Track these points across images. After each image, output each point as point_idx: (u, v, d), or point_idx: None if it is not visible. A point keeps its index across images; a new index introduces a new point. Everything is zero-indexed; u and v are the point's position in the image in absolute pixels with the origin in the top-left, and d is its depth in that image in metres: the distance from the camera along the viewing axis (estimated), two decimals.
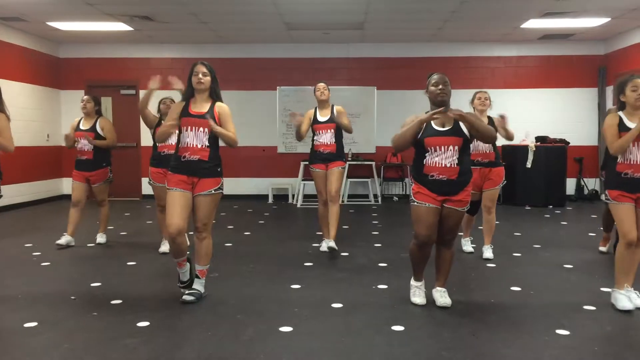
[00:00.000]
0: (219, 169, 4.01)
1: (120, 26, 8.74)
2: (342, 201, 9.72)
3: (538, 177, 9.16)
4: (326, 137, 5.59)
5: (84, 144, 5.93)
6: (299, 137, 5.48)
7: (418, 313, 3.80)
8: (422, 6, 7.58)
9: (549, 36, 9.66)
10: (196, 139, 3.92)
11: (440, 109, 3.64)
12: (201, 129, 3.92)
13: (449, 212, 3.75)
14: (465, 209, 3.81)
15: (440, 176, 3.66)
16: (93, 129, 5.95)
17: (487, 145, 5.18)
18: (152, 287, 4.46)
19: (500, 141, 7.54)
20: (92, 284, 4.50)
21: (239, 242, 6.27)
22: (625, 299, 3.78)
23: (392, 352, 3.14)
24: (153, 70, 10.24)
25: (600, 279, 4.64)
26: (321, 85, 5.63)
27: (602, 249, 5.64)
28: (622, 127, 3.74)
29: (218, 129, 3.90)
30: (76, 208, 5.94)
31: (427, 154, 3.70)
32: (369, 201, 9.92)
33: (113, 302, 4.03)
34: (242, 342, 3.28)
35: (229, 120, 4.03)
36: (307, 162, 6.32)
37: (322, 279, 4.69)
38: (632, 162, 3.72)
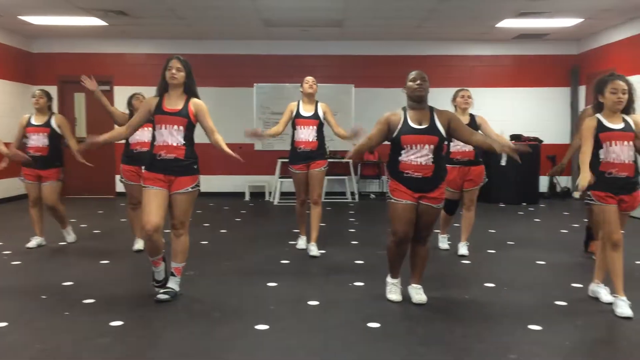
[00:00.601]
0: (195, 167, 3.97)
1: (94, 21, 8.59)
2: None
3: (512, 175, 9.27)
4: (307, 134, 5.40)
5: (37, 140, 5.59)
6: (273, 133, 5.34)
7: (394, 310, 3.82)
8: (400, 4, 7.60)
9: (523, 36, 9.78)
10: (171, 137, 3.86)
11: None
12: (176, 126, 3.85)
13: (425, 209, 3.77)
14: (440, 206, 3.85)
15: (416, 174, 3.70)
16: (48, 124, 5.64)
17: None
18: (126, 285, 4.40)
19: None
20: (64, 283, 4.42)
21: (215, 240, 6.23)
22: (625, 304, 3.67)
23: (368, 349, 3.15)
24: (128, 66, 10.13)
25: (572, 275, 4.72)
26: (310, 78, 5.48)
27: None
28: (602, 129, 3.72)
29: (227, 149, 3.96)
30: (36, 208, 5.73)
31: (402, 152, 3.74)
32: (346, 199, 9.94)
33: (85, 301, 3.96)
34: (218, 340, 3.26)
35: (207, 116, 3.98)
36: (284, 160, 6.30)
37: (298, 277, 4.68)
38: (615, 162, 3.70)
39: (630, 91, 3.70)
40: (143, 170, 4.05)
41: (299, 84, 5.60)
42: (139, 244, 5.51)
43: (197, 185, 3.97)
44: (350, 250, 5.69)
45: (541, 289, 4.36)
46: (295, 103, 5.51)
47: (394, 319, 3.63)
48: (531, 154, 9.70)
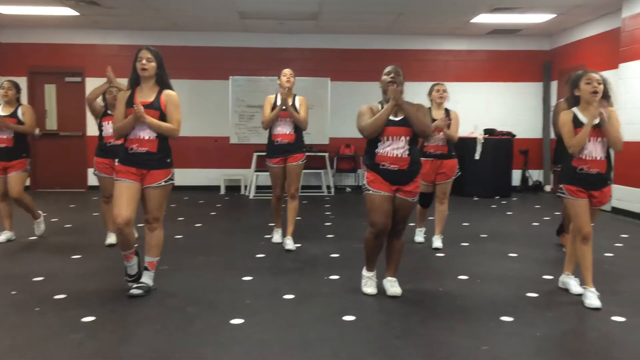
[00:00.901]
0: (168, 160, 3.92)
1: (65, 11, 8.40)
2: None
3: (486, 169, 9.39)
4: (285, 127, 5.35)
5: (3, 131, 5.48)
6: (270, 123, 5.33)
7: (369, 303, 3.84)
8: None
9: (497, 31, 9.89)
10: (143, 130, 3.81)
11: (392, 87, 3.72)
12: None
13: (401, 202, 3.83)
14: (416, 200, 3.89)
15: (392, 166, 3.76)
16: (14, 115, 5.52)
17: (440, 137, 5.26)
18: (98, 280, 4.33)
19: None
20: (34, 279, 4.34)
21: (189, 234, 6.18)
22: (594, 296, 3.75)
23: (344, 342, 3.16)
24: (100, 57, 9.93)
25: (543, 267, 4.80)
26: (287, 71, 5.39)
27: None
28: (577, 123, 3.76)
29: (148, 120, 3.73)
30: (4, 202, 5.61)
31: (379, 144, 3.80)
32: (322, 192, 9.95)
33: (56, 296, 3.90)
34: (192, 334, 3.24)
35: (176, 109, 3.90)
36: (260, 153, 6.26)
37: (274, 271, 4.68)
38: (587, 158, 3.75)
39: (605, 84, 3.75)
40: (116, 164, 4.00)
41: (275, 77, 5.56)
42: (112, 239, 5.45)
43: (171, 179, 3.93)
44: (326, 244, 5.70)
45: (513, 281, 4.43)
46: (273, 96, 5.46)
47: (369, 312, 3.65)
48: (504, 148, 9.93)
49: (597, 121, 3.70)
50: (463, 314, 3.63)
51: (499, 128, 10.06)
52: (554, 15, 8.60)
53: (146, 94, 3.86)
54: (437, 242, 5.49)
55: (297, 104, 5.41)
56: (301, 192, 9.76)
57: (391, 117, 3.77)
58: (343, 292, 4.07)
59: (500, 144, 9.59)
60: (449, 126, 5.31)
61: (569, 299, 3.93)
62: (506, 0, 7.67)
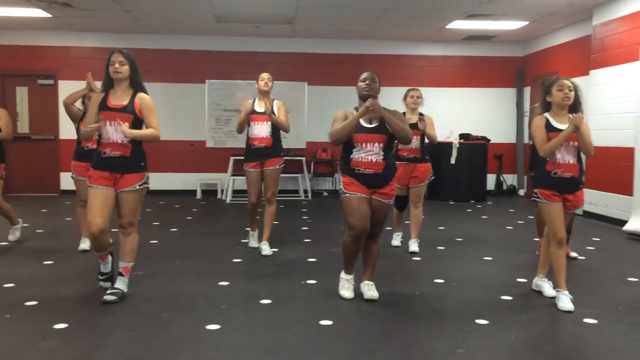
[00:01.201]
0: (142, 164, 3.89)
1: (38, 12, 8.26)
2: None
3: (461, 173, 9.51)
4: (262, 130, 5.29)
5: None
6: (241, 128, 5.34)
7: (346, 307, 3.84)
8: (351, 4, 7.65)
9: (472, 37, 10.03)
10: (116, 134, 3.77)
11: (369, 100, 3.74)
12: (121, 122, 3.75)
13: (377, 205, 3.87)
14: (391, 202, 3.92)
15: (367, 170, 3.81)
16: None
17: (414, 141, 5.30)
18: (71, 287, 4.25)
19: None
20: (5, 285, 4.24)
21: (165, 239, 6.11)
22: (567, 299, 3.81)
23: (320, 346, 3.16)
24: (73, 59, 9.79)
25: (517, 270, 4.87)
26: (265, 75, 5.36)
27: (572, 254, 5.31)
28: (549, 128, 3.84)
29: (133, 133, 3.73)
30: None
31: (354, 150, 3.85)
32: (299, 196, 9.95)
33: (28, 303, 3.81)
34: (167, 341, 3.20)
35: (152, 113, 3.88)
36: (237, 157, 6.22)
37: (250, 275, 4.65)
38: (560, 162, 3.83)
39: (576, 91, 3.85)
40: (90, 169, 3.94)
41: (252, 81, 5.52)
42: (85, 244, 5.37)
43: (145, 183, 3.89)
44: (302, 248, 5.69)
45: (488, 284, 4.48)
46: (250, 100, 5.42)
47: (346, 316, 3.66)
48: (479, 153, 10.07)
49: (567, 125, 3.79)
50: (439, 317, 3.66)
51: (474, 133, 10.20)
52: (527, 23, 8.76)
53: (120, 97, 3.82)
54: (414, 246, 5.52)
55: (275, 108, 5.39)
56: (278, 197, 9.73)
57: (365, 125, 3.83)
58: (320, 297, 4.07)
59: (475, 149, 9.72)
60: (421, 133, 5.41)
61: (543, 302, 3.99)
62: (480, 7, 7.78)
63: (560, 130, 3.81)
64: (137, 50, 9.82)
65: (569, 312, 3.74)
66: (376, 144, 3.80)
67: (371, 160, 3.80)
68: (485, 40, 10.30)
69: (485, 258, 5.34)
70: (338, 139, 3.81)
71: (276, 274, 4.70)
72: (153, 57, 9.80)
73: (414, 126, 5.20)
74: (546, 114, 3.93)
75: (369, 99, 3.76)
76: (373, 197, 3.86)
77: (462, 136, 9.92)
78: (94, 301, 3.84)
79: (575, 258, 5.23)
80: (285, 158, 10.12)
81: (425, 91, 10.53)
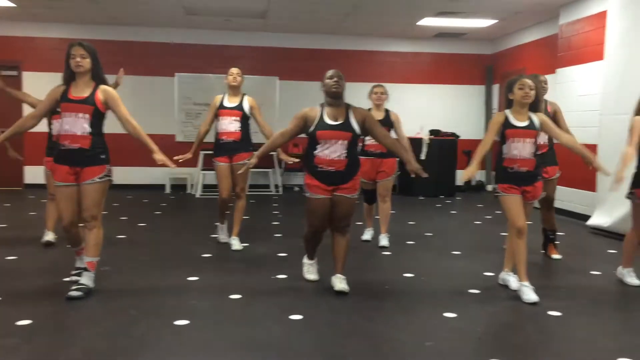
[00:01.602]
0: (103, 156, 3.83)
1: (2, 2, 8.02)
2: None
3: (431, 169, 9.54)
4: (230, 124, 5.24)
5: None
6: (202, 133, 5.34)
7: (316, 301, 3.85)
8: None
9: (442, 34, 10.13)
10: (76, 125, 3.73)
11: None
12: (81, 114, 3.72)
13: (340, 200, 3.92)
14: (354, 196, 3.97)
15: (329, 168, 3.86)
16: None
17: None
18: (35, 282, 4.15)
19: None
20: None
21: (133, 234, 6.02)
22: (530, 290, 3.89)
23: (290, 341, 3.16)
24: (38, 50, 9.55)
25: (484, 264, 4.95)
26: (234, 70, 5.29)
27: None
28: (508, 125, 3.96)
29: (151, 145, 4.01)
30: None
31: (318, 146, 3.89)
32: (270, 191, 9.91)
33: None
34: (135, 337, 3.15)
35: (119, 103, 3.85)
36: (207, 152, 6.15)
37: (220, 270, 4.62)
38: (517, 158, 3.95)
39: (537, 89, 3.95)
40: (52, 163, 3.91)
41: (223, 75, 5.47)
42: (49, 236, 5.29)
43: (107, 176, 3.84)
44: (273, 243, 5.68)
45: (456, 278, 4.54)
46: (220, 96, 5.37)
47: (316, 311, 3.66)
48: (449, 149, 10.18)
49: (526, 123, 3.94)
50: (408, 311, 3.70)
51: (444, 129, 10.31)
52: (496, 21, 8.88)
53: (81, 89, 3.78)
54: (384, 241, 5.56)
55: (245, 104, 5.33)
56: (249, 192, 9.69)
57: (330, 122, 3.86)
58: (290, 291, 4.06)
59: (445, 145, 9.83)
60: (389, 130, 5.37)
61: (509, 295, 4.06)
62: (450, 4, 7.86)
63: (517, 128, 3.93)
64: (104, 42, 9.70)
65: (533, 304, 3.81)
66: (340, 142, 3.85)
67: (334, 157, 3.84)
68: (455, 37, 10.42)
69: (453, 252, 5.41)
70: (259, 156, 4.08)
71: (246, 268, 4.68)
72: (120, 49, 9.61)
73: (381, 122, 5.16)
74: (507, 111, 4.03)
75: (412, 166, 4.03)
76: (335, 193, 3.91)
77: (432, 132, 10.03)
78: (58, 297, 3.75)
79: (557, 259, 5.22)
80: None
81: (397, 87, 10.66)
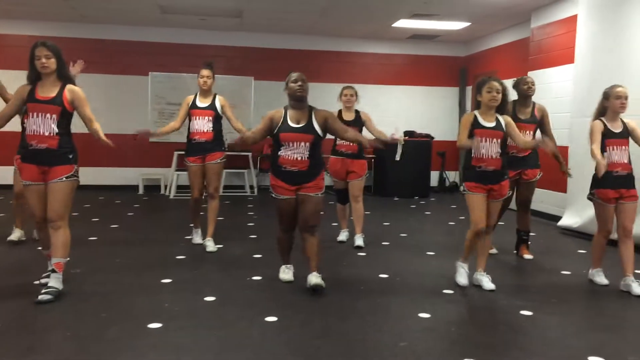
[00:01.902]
0: (70, 156, 3.81)
1: None
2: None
3: (406, 170, 9.67)
4: (202, 124, 5.23)
5: None
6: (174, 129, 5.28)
7: (291, 303, 3.84)
8: None
9: (417, 36, 10.21)
10: (43, 126, 3.71)
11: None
12: (48, 115, 3.71)
13: (304, 198, 4.04)
14: (318, 195, 4.06)
15: (292, 168, 3.99)
16: None
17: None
18: (1, 285, 4.05)
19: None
20: None
21: (104, 236, 5.92)
22: (487, 279, 4.19)
23: (265, 343, 3.14)
24: (8, 47, 9.32)
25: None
26: (205, 72, 5.26)
27: (492, 251, 5.37)
28: (476, 125, 4.12)
29: (104, 140, 3.85)
30: None
31: (281, 148, 4.01)
32: (245, 192, 9.86)
33: None
34: (106, 341, 3.09)
35: (85, 104, 3.85)
36: (181, 152, 6.11)
37: (194, 272, 4.58)
38: (484, 157, 4.10)
39: (504, 92, 4.10)
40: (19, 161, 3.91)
41: (197, 75, 5.44)
42: (15, 235, 5.26)
43: (74, 176, 3.82)
44: (248, 245, 5.64)
45: (431, 278, 4.58)
46: (192, 96, 5.38)
47: (291, 313, 3.65)
48: (423, 150, 10.25)
49: (494, 124, 4.11)
50: (383, 312, 3.71)
51: (419, 130, 10.39)
52: (469, 24, 8.99)
53: (48, 89, 3.76)
54: (359, 241, 5.58)
55: (217, 103, 5.32)
56: (224, 192, 9.65)
57: (293, 125, 3.99)
58: (265, 293, 4.05)
59: (419, 146, 9.90)
60: (360, 129, 5.44)
61: (482, 295, 4.11)
62: (425, 7, 7.93)
63: (485, 128, 4.10)
64: (76, 40, 9.54)
65: (491, 291, 4.08)
66: (302, 143, 3.97)
67: (297, 158, 3.97)
68: (429, 39, 10.51)
69: (428, 253, 5.46)
70: (249, 143, 4.19)
71: (221, 270, 4.64)
72: (93, 47, 9.46)
73: (349, 123, 5.29)
74: (475, 112, 4.20)
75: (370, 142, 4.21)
76: (299, 192, 4.03)
77: (407, 133, 10.09)
78: (27, 299, 3.67)
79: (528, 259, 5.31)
80: (231, 153, 10.01)
81: (372, 88, 10.73)
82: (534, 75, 8.03)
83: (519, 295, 4.08)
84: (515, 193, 5.29)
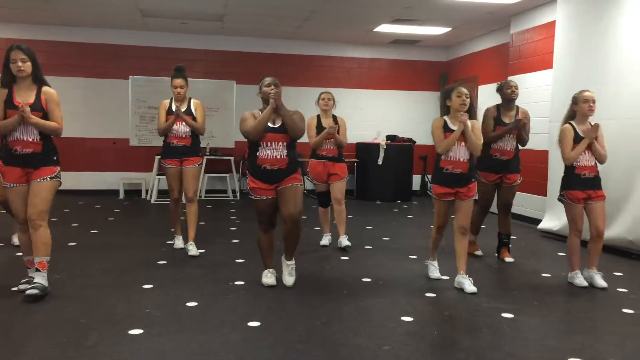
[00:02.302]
0: (54, 158, 3.91)
1: None
2: (200, 196, 9.49)
3: (388, 174, 9.71)
4: (180, 129, 5.27)
5: None
6: (163, 132, 5.36)
7: (274, 308, 3.82)
8: (281, 3, 7.64)
9: (398, 41, 10.27)
10: (26, 132, 3.78)
11: (271, 105, 4.12)
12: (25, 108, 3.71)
13: (283, 190, 4.16)
14: (299, 185, 4.21)
15: (272, 167, 4.13)
16: None
17: (332, 142, 5.62)
18: None
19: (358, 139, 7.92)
20: None
21: (84, 241, 5.84)
22: (469, 282, 4.29)
23: (248, 348, 3.12)
24: None
25: (440, 268, 5.02)
26: (178, 82, 5.29)
27: (477, 253, 5.55)
28: (447, 129, 4.33)
29: (33, 120, 3.73)
30: None
31: (260, 148, 4.15)
32: (228, 197, 9.81)
33: None
34: (86, 348, 3.05)
35: (57, 107, 3.87)
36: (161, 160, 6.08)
37: (176, 278, 4.53)
38: (452, 159, 4.30)
39: (471, 99, 4.30)
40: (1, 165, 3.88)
41: (170, 83, 5.45)
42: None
43: (57, 177, 3.90)
44: (230, 249, 5.61)
45: (413, 281, 4.60)
46: (168, 100, 5.42)
47: (273, 317, 3.63)
48: (405, 154, 10.30)
49: (462, 128, 4.26)
50: (366, 316, 3.72)
51: (400, 134, 10.45)
52: (450, 29, 9.08)
53: (25, 94, 3.79)
54: (345, 242, 5.65)
55: (192, 108, 5.35)
56: (206, 197, 9.61)
57: (270, 125, 4.13)
58: (248, 298, 4.03)
59: (401, 150, 9.96)
60: (338, 131, 5.63)
61: (464, 298, 4.14)
62: (406, 12, 7.99)
63: (452, 132, 4.31)
64: (57, 43, 9.44)
65: (473, 294, 4.18)
66: (280, 142, 4.13)
67: (275, 156, 4.12)
68: (411, 44, 10.59)
69: (410, 256, 5.48)
70: (256, 135, 4.10)
71: (203, 275, 4.61)
72: (73, 50, 9.36)
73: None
74: (445, 117, 4.38)
75: (274, 90, 4.14)
76: (278, 188, 4.17)
77: (389, 137, 10.14)
78: (8, 304, 3.61)
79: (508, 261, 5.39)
80: (214, 158, 9.97)
81: (354, 93, 10.78)
82: (514, 80, 8.14)
83: (500, 298, 4.12)
84: (496, 196, 5.38)
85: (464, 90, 4.26)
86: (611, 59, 6.00)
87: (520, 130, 5.12)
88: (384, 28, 9.09)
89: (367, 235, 6.56)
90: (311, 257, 5.34)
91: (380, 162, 9.50)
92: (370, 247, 5.90)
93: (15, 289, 3.95)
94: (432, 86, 11.02)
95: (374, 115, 10.49)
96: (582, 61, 6.41)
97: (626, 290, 4.46)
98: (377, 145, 9.60)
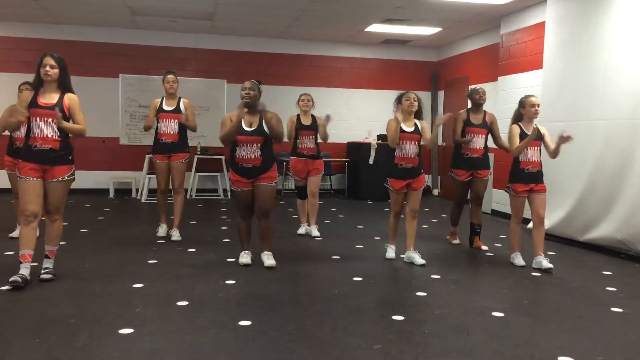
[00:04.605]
0: (70, 157, 4.23)
1: None
2: (191, 195, 9.47)
3: (379, 173, 9.69)
4: (169, 127, 5.74)
5: None
6: (147, 127, 5.84)
7: (265, 307, 3.82)
8: (272, 2, 7.62)
9: (389, 41, 10.29)
10: (47, 129, 4.09)
11: (245, 110, 4.62)
12: (50, 120, 4.08)
13: (259, 187, 4.70)
14: (272, 184, 4.73)
15: (247, 165, 4.64)
16: None
17: (311, 140, 6.16)
18: None
19: (345, 138, 7.89)
20: None
21: (74, 240, 5.80)
22: (417, 256, 5.08)
23: (239, 347, 3.12)
24: None
25: (432, 267, 5.05)
26: (170, 77, 5.78)
27: (455, 241, 6.15)
28: (400, 130, 5.02)
29: (65, 124, 4.10)
30: None
31: (237, 148, 4.66)
32: (218, 196, 9.79)
33: None
34: (75, 348, 3.03)
35: (79, 111, 4.24)
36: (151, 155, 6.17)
37: (166, 277, 4.52)
38: (405, 156, 5.05)
39: (419, 102, 5.06)
40: (19, 162, 4.17)
41: (163, 79, 5.82)
42: (17, 232, 5.51)
43: (72, 175, 4.26)
44: (221, 248, 5.60)
45: (404, 280, 4.62)
46: (159, 99, 5.85)
47: (264, 317, 3.63)
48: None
49: (412, 128, 5.05)
50: (357, 315, 3.72)
51: None
52: (440, 29, 9.11)
53: (49, 97, 4.15)
54: (315, 232, 6.19)
55: (181, 106, 5.80)
56: (197, 196, 9.58)
57: (246, 128, 4.61)
58: (239, 297, 4.02)
59: (392, 150, 9.93)
60: (316, 133, 6.17)
61: (455, 297, 4.16)
62: (397, 12, 8.01)
63: (406, 132, 5.03)
64: (46, 41, 9.36)
65: (421, 265, 4.90)
66: (254, 144, 4.63)
67: (250, 156, 4.63)
68: (402, 44, 10.61)
69: (401, 255, 5.49)
70: (225, 141, 4.68)
71: (194, 274, 4.60)
72: (62, 49, 9.24)
73: (307, 127, 6.07)
74: (399, 118, 5.03)
75: (242, 103, 4.61)
76: (255, 183, 4.70)
77: (380, 137, 10.15)
78: None
79: (485, 250, 5.83)
80: (204, 157, 9.94)
81: (345, 92, 10.80)
82: (504, 80, 8.20)
83: (490, 297, 4.14)
84: (469, 191, 5.95)
85: (412, 94, 5.06)
86: (600, 60, 6.05)
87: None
88: (375, 28, 9.10)
89: (358, 234, 6.57)
90: (302, 256, 5.35)
91: (371, 161, 9.51)
92: (361, 246, 5.91)
93: (4, 288, 3.90)
94: (422, 86, 11.05)
95: (365, 115, 10.50)
96: (572, 62, 6.46)
97: (615, 289, 4.50)
98: (368, 145, 9.61)
